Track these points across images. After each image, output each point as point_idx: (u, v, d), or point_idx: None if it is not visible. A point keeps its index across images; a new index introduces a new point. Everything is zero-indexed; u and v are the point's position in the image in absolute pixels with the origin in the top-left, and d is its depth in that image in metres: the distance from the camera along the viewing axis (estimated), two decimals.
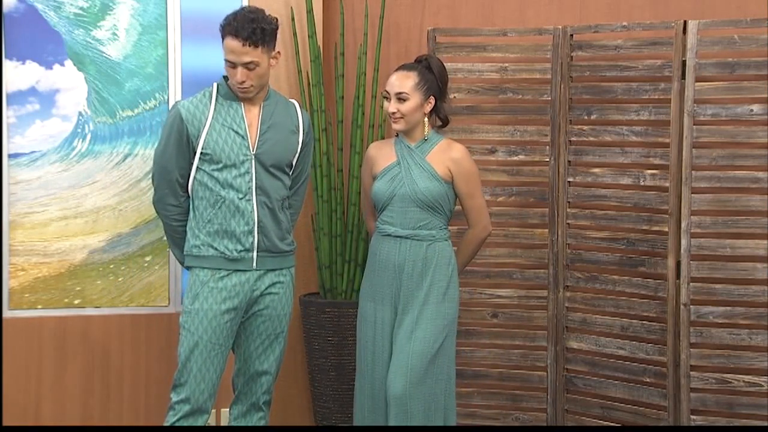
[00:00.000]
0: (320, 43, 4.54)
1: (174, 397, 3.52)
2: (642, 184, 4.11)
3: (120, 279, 4.39)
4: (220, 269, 3.51)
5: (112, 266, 4.38)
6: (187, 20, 4.41)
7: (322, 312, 4.43)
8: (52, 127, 4.33)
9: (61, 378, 4.34)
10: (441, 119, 3.74)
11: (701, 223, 3.99)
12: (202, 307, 3.49)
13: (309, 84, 4.53)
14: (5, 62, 4.26)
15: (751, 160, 3.95)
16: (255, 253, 3.53)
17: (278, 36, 3.50)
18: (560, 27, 4.23)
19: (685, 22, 3.98)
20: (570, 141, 4.25)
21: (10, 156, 4.29)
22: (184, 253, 3.60)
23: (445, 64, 3.75)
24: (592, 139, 4.22)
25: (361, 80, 4.54)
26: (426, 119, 3.67)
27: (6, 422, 4.23)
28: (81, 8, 4.32)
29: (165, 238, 3.77)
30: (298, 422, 4.64)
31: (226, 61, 3.45)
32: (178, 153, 3.52)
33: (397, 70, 3.69)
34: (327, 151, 4.52)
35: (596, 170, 4.23)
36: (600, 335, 4.22)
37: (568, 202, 4.27)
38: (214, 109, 3.53)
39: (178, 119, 3.51)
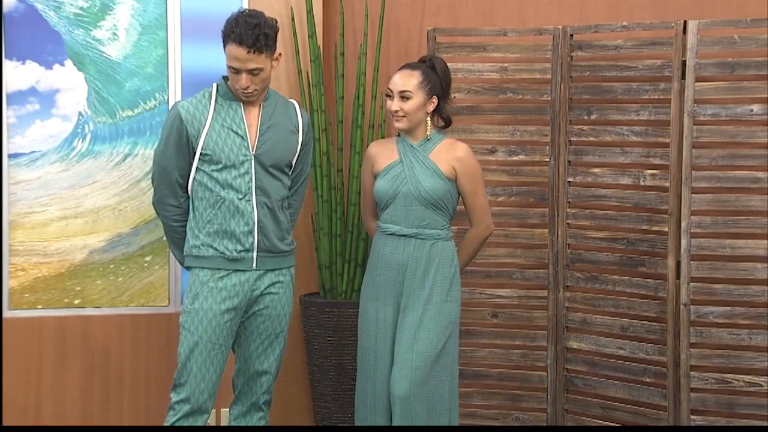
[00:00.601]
0: (320, 43, 4.54)
1: (174, 397, 3.52)
2: (642, 184, 4.11)
3: (120, 279, 4.39)
4: (219, 269, 3.51)
5: (112, 266, 4.38)
6: (187, 20, 4.41)
7: (322, 312, 4.43)
8: (52, 127, 4.33)
9: (61, 378, 4.34)
10: (444, 119, 3.75)
11: (701, 223, 3.99)
12: (202, 306, 3.49)
13: (309, 84, 4.53)
14: (5, 62, 4.26)
15: (751, 160, 3.95)
16: (255, 253, 3.53)
17: (278, 36, 3.50)
18: (560, 27, 4.23)
19: (685, 22, 3.98)
20: (570, 141, 4.25)
21: (10, 156, 4.29)
22: (184, 253, 3.60)
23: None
24: (592, 139, 4.22)
25: (361, 80, 4.54)
26: (428, 119, 3.67)
27: (6, 422, 4.23)
28: (81, 8, 4.32)
29: (165, 238, 3.77)
30: (298, 422, 4.64)
31: (230, 67, 3.45)
32: (177, 153, 3.52)
33: (400, 69, 3.69)
34: (327, 151, 4.52)
35: (596, 170, 4.23)
36: (600, 335, 4.22)
37: (568, 202, 4.27)
38: (214, 109, 3.53)
39: (177, 120, 3.51)
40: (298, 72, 4.52)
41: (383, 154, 3.73)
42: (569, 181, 4.25)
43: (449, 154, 3.66)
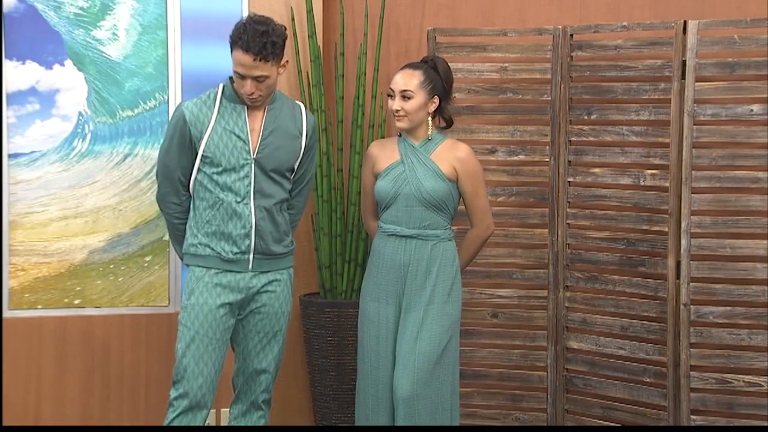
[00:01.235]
0: (320, 43, 4.54)
1: (172, 393, 3.53)
2: (642, 184, 4.11)
3: (120, 279, 4.39)
4: (215, 268, 3.52)
5: (112, 266, 4.38)
6: (187, 20, 4.40)
7: (322, 312, 4.43)
8: (52, 127, 4.32)
9: (61, 378, 4.34)
10: (445, 120, 3.74)
11: (701, 223, 3.99)
12: (198, 301, 3.51)
13: (309, 84, 4.53)
14: (5, 62, 4.25)
15: (751, 160, 3.95)
16: (251, 255, 3.54)
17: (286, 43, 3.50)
18: (560, 27, 4.23)
19: (685, 22, 3.98)
20: (570, 141, 4.25)
21: (10, 156, 4.28)
22: (183, 250, 3.62)
23: None
24: (592, 139, 4.22)
25: (361, 80, 4.54)
26: (429, 119, 3.67)
27: (6, 422, 4.23)
28: (81, 8, 4.32)
29: (165, 237, 3.78)
30: (298, 422, 4.64)
31: (236, 72, 3.45)
32: (180, 153, 3.54)
33: (402, 68, 3.69)
34: (327, 151, 4.52)
35: (596, 170, 4.23)
36: (600, 335, 4.23)
37: (568, 202, 4.27)
38: (218, 111, 3.53)
39: (181, 121, 3.52)
40: (298, 72, 4.52)
41: (384, 154, 3.73)
42: (569, 181, 4.26)
43: (450, 154, 3.66)
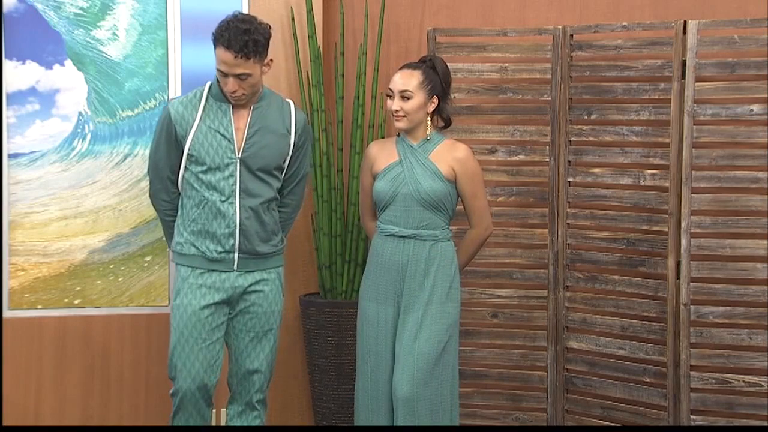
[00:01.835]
0: (320, 43, 4.54)
1: (171, 390, 3.60)
2: (642, 184, 4.11)
3: (120, 279, 4.39)
4: (200, 268, 3.54)
5: (112, 266, 4.38)
6: (187, 20, 4.40)
7: (322, 312, 4.43)
8: (52, 127, 4.33)
9: (61, 378, 4.34)
10: (444, 120, 3.74)
11: (701, 223, 3.99)
12: (182, 302, 3.55)
13: (309, 84, 4.53)
14: (5, 62, 4.26)
15: (751, 160, 3.95)
16: (236, 255, 3.55)
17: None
18: (560, 27, 4.23)
19: (685, 22, 3.98)
20: (570, 141, 4.25)
21: (10, 156, 4.29)
22: (171, 248, 3.67)
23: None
24: (592, 139, 4.22)
25: (361, 80, 4.54)
26: (428, 119, 3.67)
27: (6, 422, 4.23)
28: (81, 8, 4.32)
29: (164, 237, 3.80)
30: (298, 422, 4.64)
31: (218, 70, 3.47)
32: (168, 151, 3.57)
33: (401, 68, 3.69)
34: (327, 151, 4.52)
35: (596, 170, 4.23)
36: (600, 335, 4.22)
37: (568, 202, 4.27)
38: (203, 110, 3.54)
39: (167, 119, 3.55)
40: (298, 72, 4.52)
41: (383, 154, 3.73)
42: (569, 181, 4.25)
43: (449, 155, 3.66)
